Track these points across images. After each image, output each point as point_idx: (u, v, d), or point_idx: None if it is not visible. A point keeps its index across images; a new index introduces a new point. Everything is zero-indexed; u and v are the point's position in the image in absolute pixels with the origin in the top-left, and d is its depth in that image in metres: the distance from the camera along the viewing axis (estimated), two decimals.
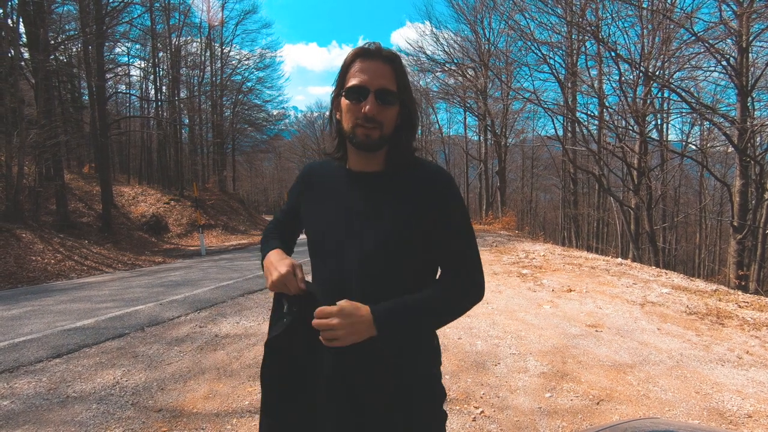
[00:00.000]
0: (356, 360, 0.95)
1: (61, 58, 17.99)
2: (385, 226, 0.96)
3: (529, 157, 31.93)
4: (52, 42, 12.92)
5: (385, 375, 0.97)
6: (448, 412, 2.69)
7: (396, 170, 1.01)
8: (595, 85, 15.04)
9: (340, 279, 0.98)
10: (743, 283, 9.71)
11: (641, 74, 12.17)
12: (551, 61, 15.78)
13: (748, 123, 9.80)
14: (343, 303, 0.88)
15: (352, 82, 0.96)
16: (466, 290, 0.99)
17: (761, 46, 10.81)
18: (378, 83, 0.95)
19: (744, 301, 5.48)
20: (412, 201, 0.97)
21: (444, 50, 22.94)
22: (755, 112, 11.47)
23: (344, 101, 0.98)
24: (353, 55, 0.99)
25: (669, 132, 21.09)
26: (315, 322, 0.87)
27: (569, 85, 16.02)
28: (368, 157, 1.01)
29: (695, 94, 11.95)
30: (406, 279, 0.97)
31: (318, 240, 1.05)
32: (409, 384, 0.99)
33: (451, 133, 31.29)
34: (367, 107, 0.94)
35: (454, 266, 1.00)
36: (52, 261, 9.39)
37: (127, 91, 25.63)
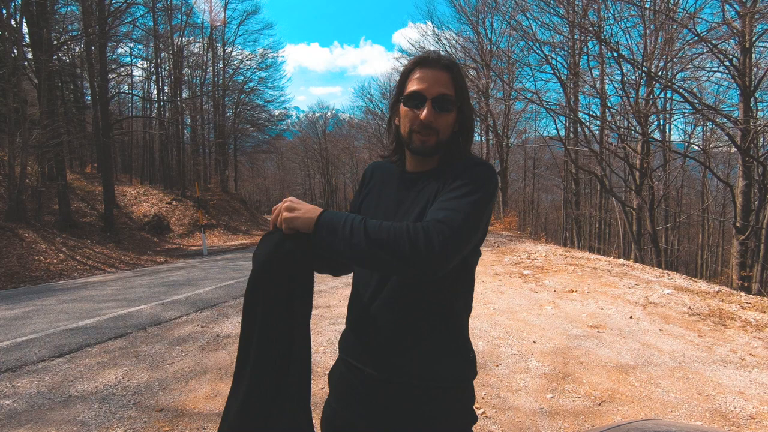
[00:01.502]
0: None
1: (63, 58, 18.05)
2: (419, 209, 0.99)
3: (531, 158, 31.90)
4: (55, 42, 12.97)
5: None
6: None
7: (446, 167, 1.03)
8: (597, 85, 15.02)
9: (373, 282, 1.02)
10: (746, 284, 9.67)
11: (643, 74, 12.15)
12: (553, 62, 15.79)
13: (751, 123, 9.77)
14: None
15: (411, 89, 1.00)
16: (419, 235, 0.80)
17: (764, 47, 10.79)
18: (435, 90, 0.98)
19: (747, 303, 5.46)
20: (440, 186, 0.98)
21: (446, 50, 22.91)
22: (758, 113, 11.46)
23: (402, 107, 1.02)
24: (413, 63, 1.03)
25: (671, 132, 21.07)
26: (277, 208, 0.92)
27: (571, 85, 16.00)
28: (424, 160, 1.05)
29: (698, 95, 11.92)
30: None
31: None
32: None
33: None
34: (424, 114, 0.97)
35: (431, 214, 0.88)
36: (55, 261, 9.42)
37: (130, 92, 25.72)
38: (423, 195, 1.01)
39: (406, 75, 1.03)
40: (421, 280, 0.93)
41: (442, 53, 1.05)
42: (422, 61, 1.01)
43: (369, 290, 1.02)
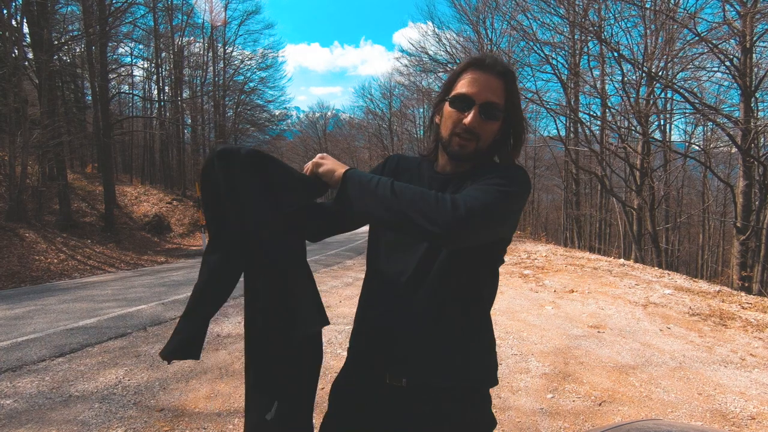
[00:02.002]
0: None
1: (64, 58, 18.05)
2: None
3: (531, 158, 31.86)
4: (56, 42, 12.98)
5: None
6: None
7: (479, 169, 1.00)
8: (598, 85, 15.01)
9: (409, 270, 0.97)
10: (746, 285, 9.66)
11: (644, 74, 12.14)
12: (554, 62, 15.78)
13: (752, 123, 9.76)
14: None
15: (460, 90, 0.95)
16: (447, 199, 0.82)
17: (765, 47, 10.78)
18: (485, 96, 0.93)
19: (747, 303, 5.45)
20: (474, 181, 0.96)
21: (446, 50, 22.93)
22: (759, 113, 11.45)
23: (447, 108, 0.98)
24: (467, 64, 0.98)
25: (672, 132, 21.05)
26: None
27: (572, 85, 15.98)
28: (458, 165, 1.01)
29: (698, 95, 11.92)
30: (468, 268, 0.97)
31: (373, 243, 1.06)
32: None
33: None
34: (469, 119, 0.93)
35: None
36: (55, 260, 9.42)
37: (130, 92, 25.71)
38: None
39: (457, 74, 0.99)
40: (444, 245, 0.88)
41: (498, 58, 0.99)
42: (477, 63, 0.96)
43: (404, 278, 0.96)
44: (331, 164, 0.92)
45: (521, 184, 0.93)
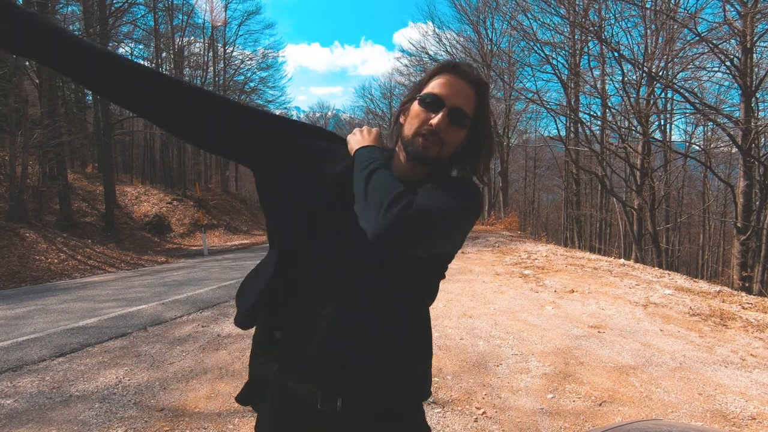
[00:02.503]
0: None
1: None
2: None
3: (531, 158, 31.89)
4: None
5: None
6: (450, 412, 2.70)
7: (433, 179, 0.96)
8: (598, 85, 15.02)
9: (353, 273, 0.91)
10: (747, 285, 9.67)
11: (644, 74, 12.14)
12: (554, 62, 15.81)
13: (752, 123, 9.76)
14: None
15: (432, 90, 0.92)
16: (403, 200, 0.79)
17: (765, 47, 10.79)
18: (456, 101, 0.90)
19: (748, 303, 5.45)
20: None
21: (446, 51, 22.96)
22: (759, 113, 11.46)
23: (416, 106, 0.93)
24: (442, 67, 0.95)
25: (672, 132, 21.05)
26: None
27: (572, 85, 15.99)
28: (415, 169, 0.95)
29: (699, 95, 11.93)
30: (408, 287, 0.94)
31: (331, 230, 0.94)
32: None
33: None
34: (436, 120, 0.89)
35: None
36: (56, 260, 9.43)
37: None
38: None
39: (430, 76, 0.96)
40: (379, 240, 0.79)
41: (474, 67, 0.96)
42: (453, 68, 0.93)
43: (356, 284, 0.90)
44: (353, 141, 0.96)
45: (476, 203, 0.91)
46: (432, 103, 0.91)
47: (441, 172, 0.98)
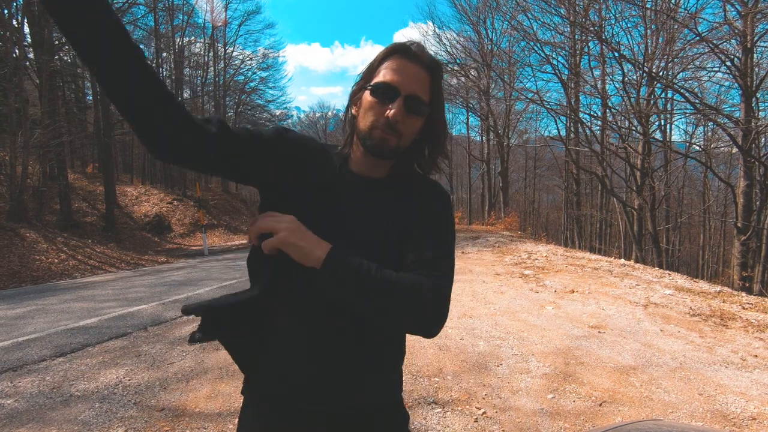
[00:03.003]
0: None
1: (65, 58, 18.07)
2: (379, 227, 0.88)
3: (531, 158, 31.90)
4: (57, 42, 12.97)
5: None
6: (450, 412, 2.70)
7: (397, 180, 0.94)
8: (598, 85, 15.02)
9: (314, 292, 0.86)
10: (747, 285, 9.66)
11: (645, 74, 12.13)
12: (554, 62, 15.79)
13: (753, 124, 9.75)
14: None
15: (384, 78, 0.85)
16: (428, 291, 0.79)
17: (766, 47, 10.80)
18: (411, 88, 0.84)
19: (748, 303, 5.45)
20: (406, 207, 0.91)
21: (447, 51, 22.95)
22: (759, 113, 11.46)
23: (368, 97, 0.86)
24: (391, 51, 0.87)
25: (672, 133, 21.07)
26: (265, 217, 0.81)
27: (572, 85, 15.99)
28: (375, 163, 0.91)
29: (699, 95, 11.94)
30: None
31: None
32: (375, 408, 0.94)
33: (453, 134, 31.24)
34: (393, 111, 0.83)
35: (424, 270, 0.84)
36: (56, 260, 9.43)
37: None
38: (384, 207, 0.90)
39: (379, 61, 0.88)
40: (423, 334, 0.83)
41: (425, 49, 0.89)
42: (403, 51, 0.86)
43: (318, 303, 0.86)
44: (304, 243, 0.77)
45: (453, 220, 0.95)
46: (386, 93, 0.84)
47: (403, 165, 0.94)
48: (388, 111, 0.83)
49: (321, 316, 0.86)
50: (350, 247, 0.82)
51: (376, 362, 0.92)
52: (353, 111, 0.93)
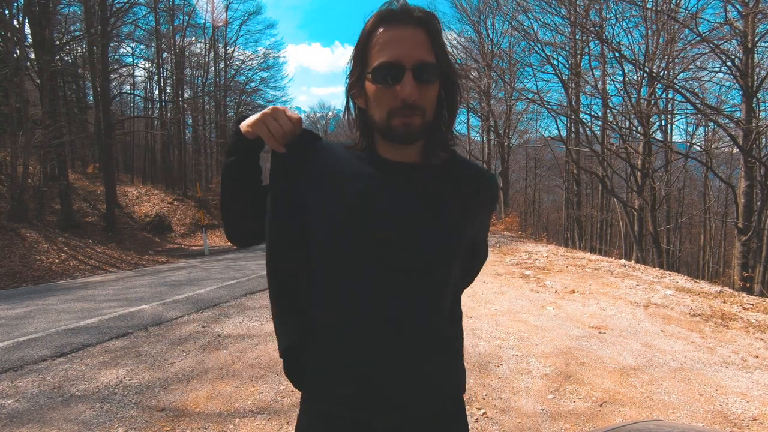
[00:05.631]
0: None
1: (66, 58, 18.14)
2: (442, 229, 0.81)
3: (532, 158, 31.88)
4: (57, 42, 13.02)
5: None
6: None
7: (435, 162, 0.85)
8: (599, 85, 15.02)
9: (390, 294, 0.79)
10: (748, 285, 9.65)
11: (645, 75, 12.12)
12: (555, 62, 15.76)
13: (753, 124, 9.74)
14: None
15: (381, 59, 0.75)
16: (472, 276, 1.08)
17: (767, 47, 10.76)
18: (414, 56, 0.74)
19: (749, 303, 5.44)
20: (466, 202, 0.85)
21: (447, 51, 22.91)
22: (760, 113, 11.44)
23: (371, 85, 0.77)
24: (375, 22, 0.77)
25: (673, 133, 21.05)
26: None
27: (573, 85, 15.98)
28: (403, 148, 0.82)
29: (700, 95, 11.91)
30: (449, 290, 0.87)
31: (346, 241, 0.80)
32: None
33: (454, 134, 31.23)
34: (406, 91, 0.73)
35: (468, 279, 1.05)
36: (56, 260, 9.44)
37: (132, 92, 25.80)
38: (445, 207, 0.82)
39: (367, 38, 0.77)
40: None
41: (409, 3, 0.78)
42: (389, 16, 0.76)
43: (388, 303, 0.79)
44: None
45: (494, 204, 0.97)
46: (389, 74, 0.74)
47: (437, 140, 0.84)
48: (400, 92, 0.74)
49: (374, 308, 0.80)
50: (416, 255, 0.79)
51: (444, 354, 0.87)
52: (359, 103, 0.84)
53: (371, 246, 0.78)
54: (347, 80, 0.84)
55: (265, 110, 0.82)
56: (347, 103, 0.86)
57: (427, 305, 0.82)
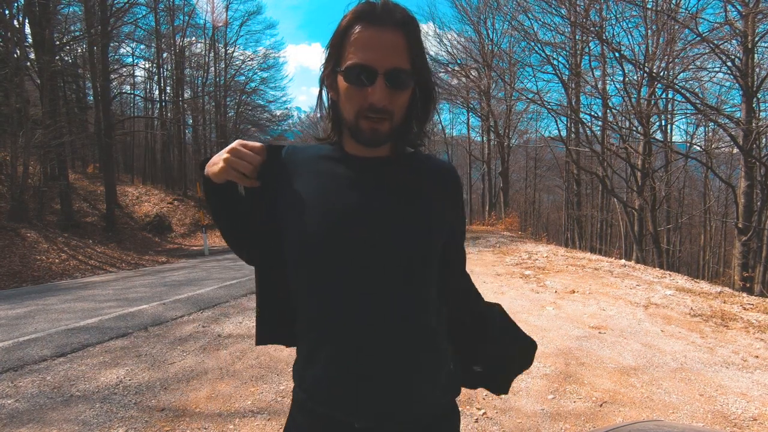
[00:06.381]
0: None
1: (66, 58, 18.13)
2: (419, 223, 0.80)
3: (532, 158, 31.88)
4: (58, 42, 13.02)
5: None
6: None
7: (403, 157, 0.85)
8: (599, 85, 15.03)
9: (365, 293, 0.77)
10: (748, 285, 9.65)
11: (645, 75, 12.13)
12: (555, 62, 15.77)
13: (753, 124, 9.75)
14: None
15: (354, 59, 0.73)
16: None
17: (767, 47, 10.77)
18: (388, 62, 0.72)
19: (749, 303, 5.44)
20: (437, 197, 0.84)
21: (447, 51, 22.93)
22: (760, 113, 11.45)
23: (342, 83, 0.75)
24: (353, 17, 0.74)
25: (673, 133, 21.07)
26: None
27: (573, 85, 15.98)
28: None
29: (700, 95, 11.92)
30: (431, 285, 0.85)
31: (317, 243, 0.78)
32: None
33: (454, 134, 31.24)
34: (376, 96, 0.73)
35: (462, 266, 0.96)
36: (57, 260, 9.44)
37: (132, 92, 25.79)
38: (415, 202, 0.81)
39: (343, 33, 0.75)
40: None
41: (391, 3, 0.75)
42: (368, 16, 0.73)
43: (374, 297, 0.78)
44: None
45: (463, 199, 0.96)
46: (360, 76, 0.73)
47: (408, 140, 0.84)
48: (370, 96, 0.73)
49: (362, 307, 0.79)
50: (391, 253, 0.77)
51: (434, 357, 0.85)
52: (332, 95, 0.83)
53: (343, 246, 0.77)
54: (321, 69, 0.82)
55: (225, 155, 0.79)
56: (320, 92, 0.85)
57: (406, 302, 0.79)
